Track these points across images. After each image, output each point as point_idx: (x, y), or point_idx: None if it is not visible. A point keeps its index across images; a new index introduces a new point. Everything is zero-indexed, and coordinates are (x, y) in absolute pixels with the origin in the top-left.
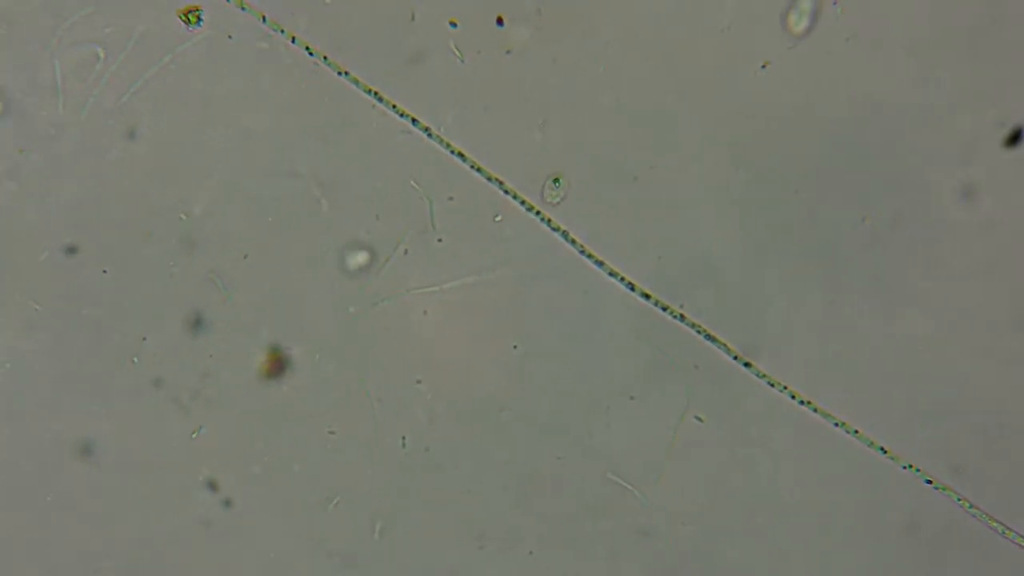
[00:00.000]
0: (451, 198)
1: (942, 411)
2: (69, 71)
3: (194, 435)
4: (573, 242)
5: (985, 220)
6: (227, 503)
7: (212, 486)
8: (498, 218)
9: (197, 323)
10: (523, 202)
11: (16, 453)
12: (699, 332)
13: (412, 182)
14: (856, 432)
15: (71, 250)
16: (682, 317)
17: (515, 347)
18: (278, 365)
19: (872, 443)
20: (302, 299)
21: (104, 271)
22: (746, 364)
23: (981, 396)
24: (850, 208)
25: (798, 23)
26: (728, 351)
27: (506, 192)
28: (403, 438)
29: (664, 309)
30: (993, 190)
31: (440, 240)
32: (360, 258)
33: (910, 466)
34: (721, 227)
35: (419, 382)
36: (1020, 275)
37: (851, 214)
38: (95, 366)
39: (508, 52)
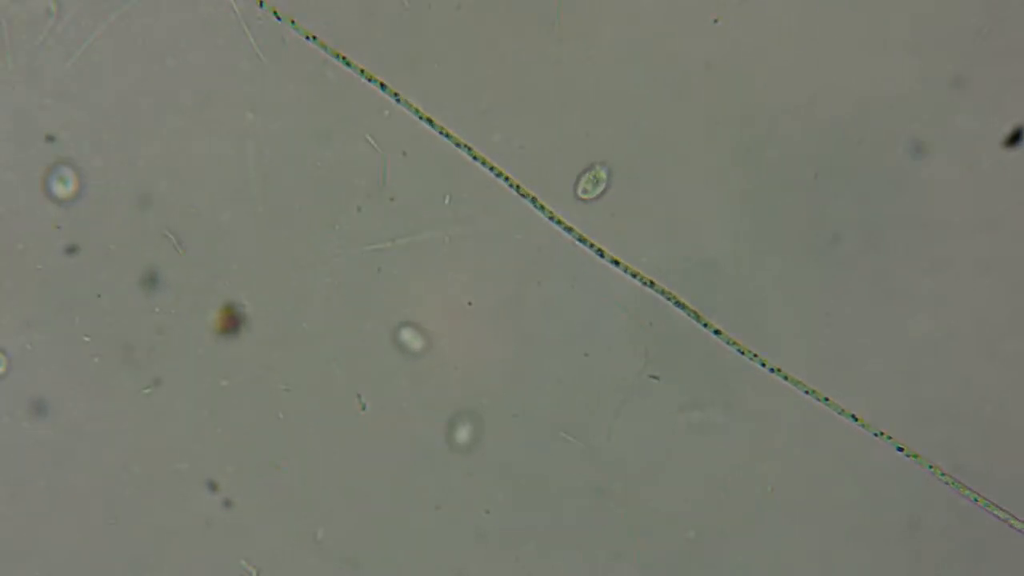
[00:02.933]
0: (404, 153)
1: (942, 410)
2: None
3: (146, 391)
4: (534, 201)
5: (985, 220)
6: (227, 503)
7: (212, 486)
8: (447, 200)
9: (152, 280)
10: (484, 162)
11: (16, 452)
12: (669, 299)
13: (368, 137)
14: (827, 400)
15: (71, 250)
16: (651, 284)
17: (469, 303)
18: (232, 321)
19: (843, 410)
20: (257, 256)
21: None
22: (716, 332)
23: (981, 396)
24: (849, 208)
25: None
26: (698, 318)
27: (475, 157)
28: (359, 396)
29: (634, 276)
30: (993, 190)
31: (392, 199)
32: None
33: (880, 433)
34: (721, 226)
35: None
36: (1020, 275)
37: (850, 214)
38: (93, 365)
39: (458, 8)
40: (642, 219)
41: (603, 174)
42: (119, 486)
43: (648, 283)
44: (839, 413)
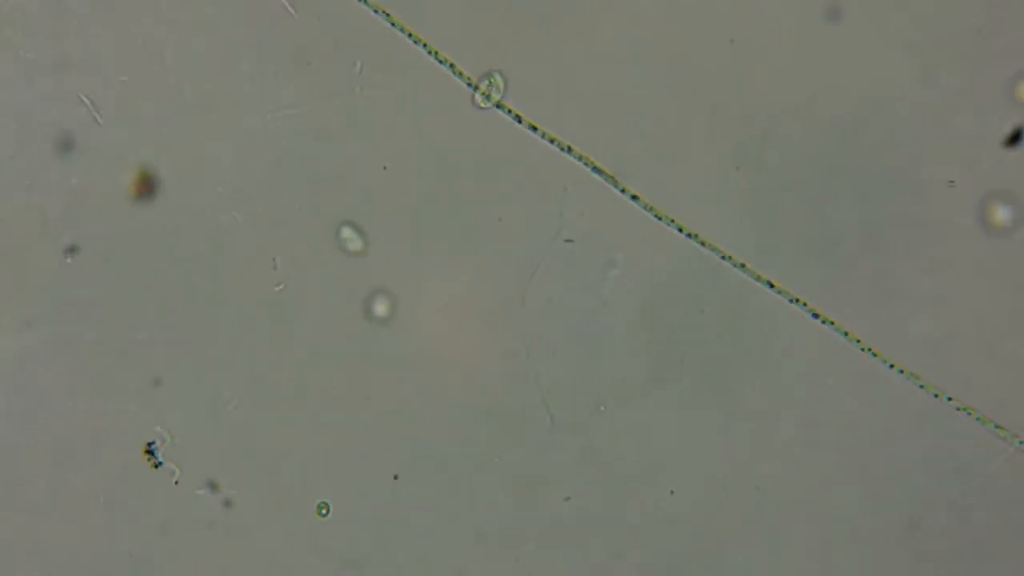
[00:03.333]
0: (319, 18)
1: (941, 409)
2: None
3: (68, 259)
4: (452, 67)
5: (985, 220)
6: (227, 503)
7: (212, 486)
8: (359, 68)
9: (67, 145)
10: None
11: (15, 452)
12: (586, 164)
13: (284, 2)
14: (743, 266)
15: (71, 250)
16: (568, 149)
17: (385, 168)
18: (147, 185)
19: (759, 276)
20: (172, 121)
21: None
22: (633, 197)
23: (981, 396)
24: (849, 208)
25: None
26: (615, 184)
27: (393, 24)
28: (274, 259)
29: (551, 141)
30: (993, 190)
31: (310, 64)
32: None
33: (809, 308)
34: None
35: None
36: (1021, 275)
37: (851, 214)
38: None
39: None
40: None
41: (499, 80)
42: (119, 486)
43: (566, 148)
44: (755, 279)
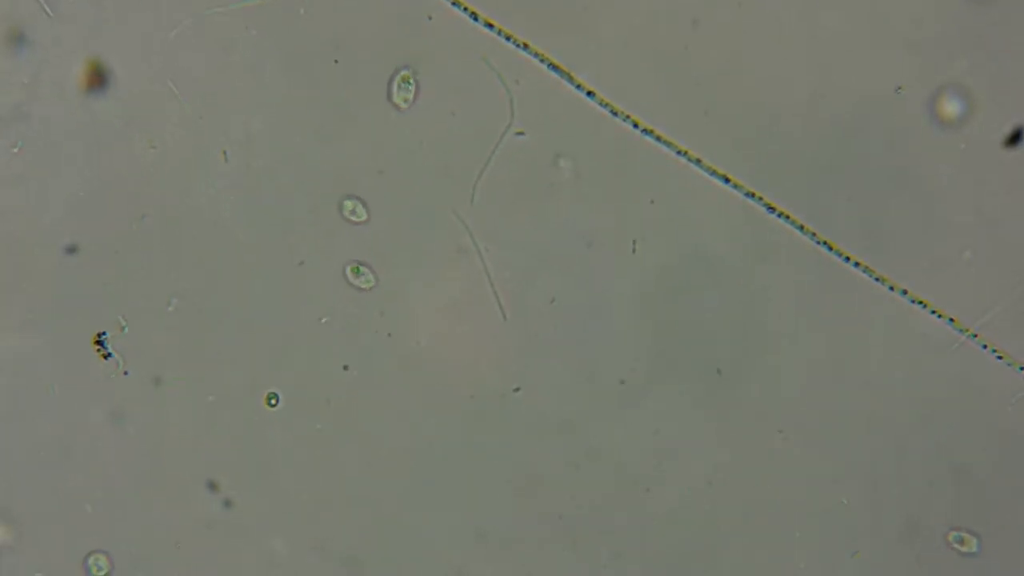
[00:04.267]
0: None
1: (942, 411)
2: None
3: (14, 149)
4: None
5: (985, 220)
6: (227, 503)
7: (212, 486)
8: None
9: (18, 39)
10: None
11: (15, 451)
12: (542, 61)
13: None
14: (699, 161)
15: (71, 250)
16: (525, 46)
17: (335, 62)
18: (97, 78)
19: (715, 171)
20: (122, 14)
21: None
22: (589, 93)
23: (982, 396)
24: (849, 208)
25: None
26: (571, 80)
27: None
28: (224, 152)
29: (507, 39)
30: (993, 190)
31: None
32: None
33: (752, 194)
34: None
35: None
36: (1021, 275)
37: (850, 214)
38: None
39: None
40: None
41: (408, 75)
42: (119, 486)
43: (522, 45)
44: (711, 174)
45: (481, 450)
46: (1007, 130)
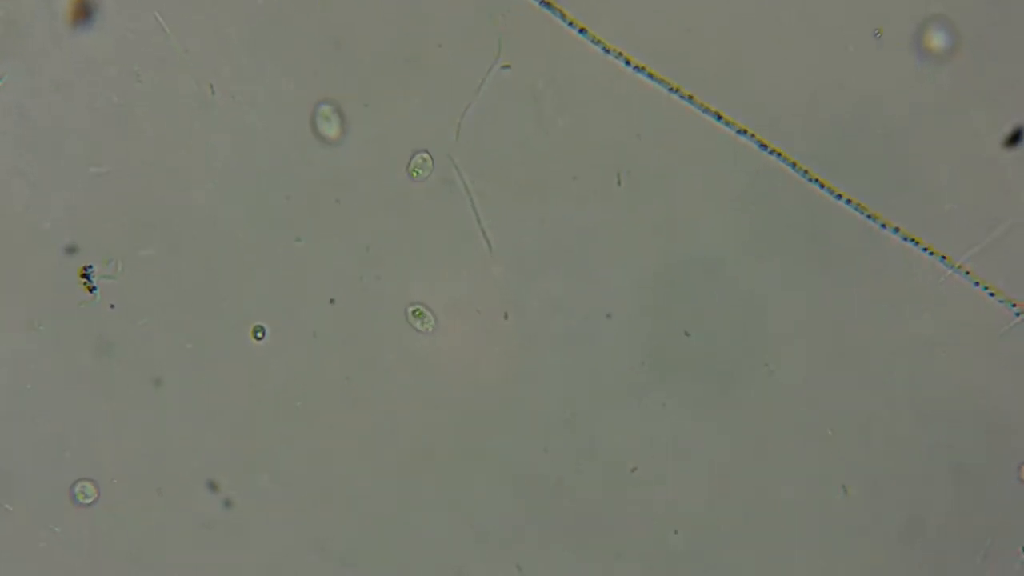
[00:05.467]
0: None
1: (942, 411)
2: None
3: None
4: None
5: (985, 220)
6: (227, 503)
7: (212, 486)
8: None
9: None
10: None
11: (15, 451)
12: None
13: None
14: (691, 98)
15: (71, 250)
16: None
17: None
18: (83, 9)
19: (707, 107)
20: None
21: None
22: (581, 30)
23: (981, 396)
24: (848, 208)
25: None
26: (564, 17)
27: None
28: (211, 85)
29: None
30: (993, 190)
31: None
32: None
33: (744, 131)
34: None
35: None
36: (1021, 275)
37: (850, 214)
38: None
39: None
40: None
41: (428, 158)
42: (119, 486)
43: None
44: (690, 101)
45: (481, 450)
46: (1007, 130)
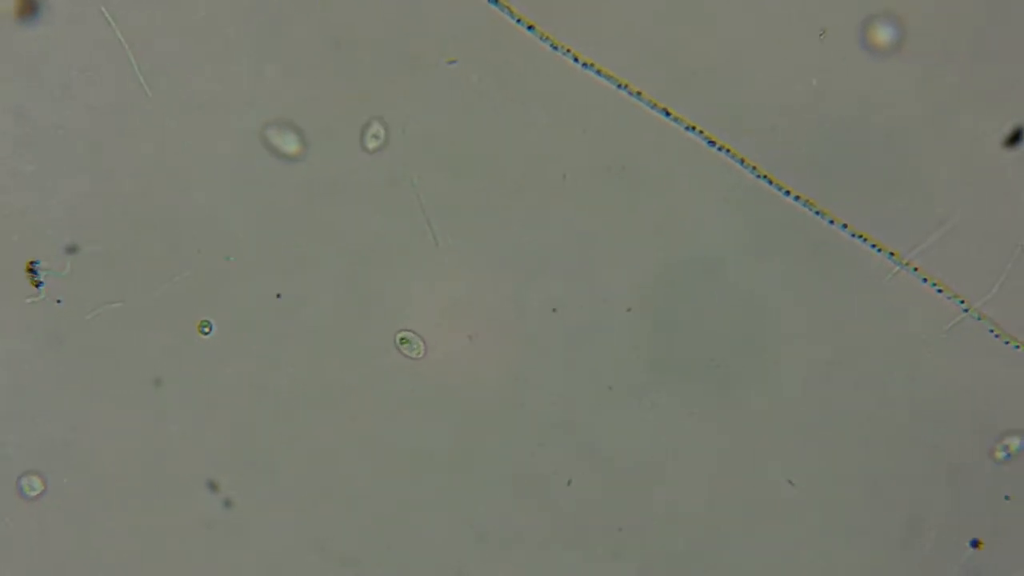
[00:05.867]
0: None
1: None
2: None
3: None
4: None
5: (985, 220)
6: (227, 503)
7: (212, 486)
8: None
9: None
10: None
11: (15, 451)
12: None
13: None
14: (640, 95)
15: (71, 250)
16: None
17: None
18: (29, 6)
19: (655, 103)
20: None
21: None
22: (529, 27)
23: (981, 396)
24: (849, 208)
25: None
26: (512, 14)
27: None
28: (140, 79)
29: None
30: (993, 190)
31: None
32: None
33: (693, 127)
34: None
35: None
36: (1021, 275)
37: (849, 214)
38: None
39: None
40: None
41: (380, 130)
42: (119, 486)
43: None
44: (651, 107)
45: (481, 450)
46: (1007, 130)
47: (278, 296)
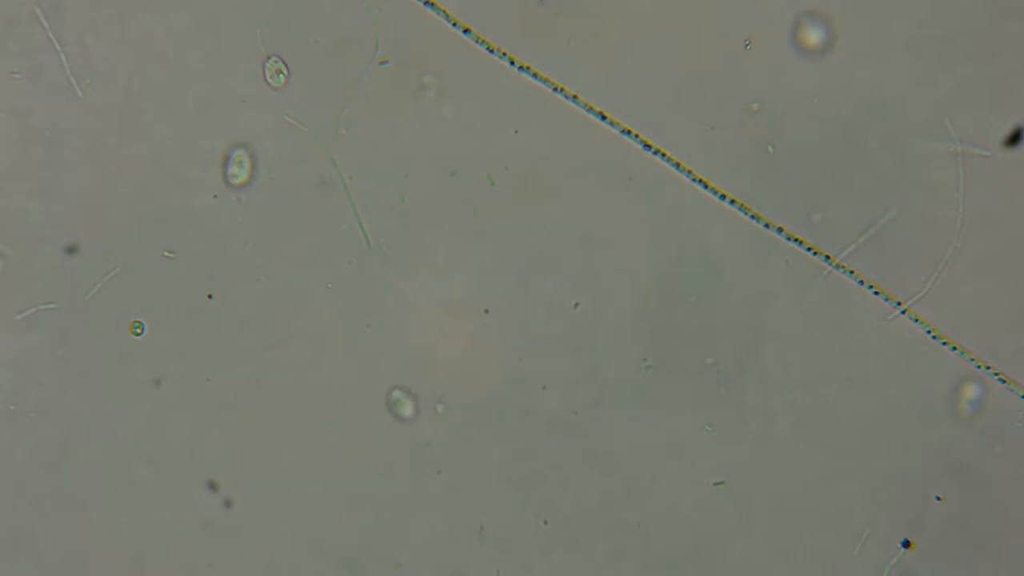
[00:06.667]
0: None
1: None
2: None
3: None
4: None
5: (985, 220)
6: (227, 503)
7: (212, 486)
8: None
9: None
10: None
11: (14, 450)
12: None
13: None
14: (575, 98)
15: (71, 250)
16: None
17: None
18: None
19: (590, 107)
20: None
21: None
22: (465, 31)
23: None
24: (850, 207)
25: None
26: (447, 17)
27: None
28: (68, 69)
29: None
30: (993, 190)
31: None
32: None
33: (628, 131)
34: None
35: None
36: (1020, 275)
37: (851, 213)
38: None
39: None
40: None
41: (242, 157)
42: (119, 486)
43: None
44: (587, 110)
45: (481, 449)
46: (1007, 130)
47: (209, 296)
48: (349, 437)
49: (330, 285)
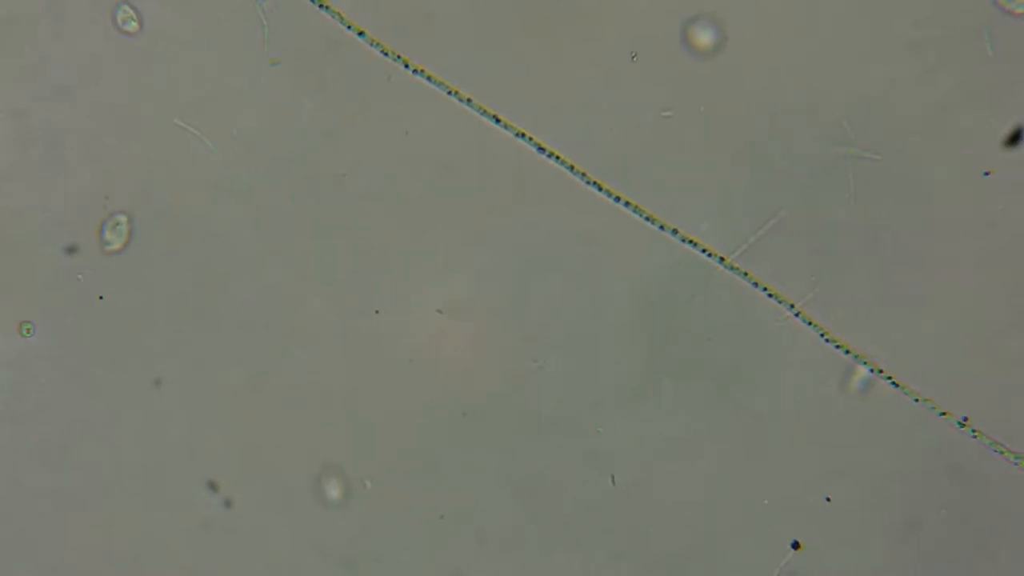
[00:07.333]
0: None
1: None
2: None
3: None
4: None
5: (985, 220)
6: (227, 503)
7: (212, 486)
8: None
9: None
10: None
11: (14, 451)
12: None
13: None
14: (470, 101)
15: (71, 250)
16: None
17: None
18: None
19: (486, 110)
20: None
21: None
22: (360, 33)
23: (980, 396)
24: (850, 207)
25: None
26: (343, 20)
27: None
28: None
29: None
30: (993, 190)
31: None
32: None
33: (523, 134)
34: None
35: None
36: (1020, 275)
37: (850, 213)
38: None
39: None
40: None
41: (122, 220)
42: (119, 486)
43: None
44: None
45: (481, 450)
46: (1007, 130)
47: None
48: (349, 437)
49: (330, 285)
